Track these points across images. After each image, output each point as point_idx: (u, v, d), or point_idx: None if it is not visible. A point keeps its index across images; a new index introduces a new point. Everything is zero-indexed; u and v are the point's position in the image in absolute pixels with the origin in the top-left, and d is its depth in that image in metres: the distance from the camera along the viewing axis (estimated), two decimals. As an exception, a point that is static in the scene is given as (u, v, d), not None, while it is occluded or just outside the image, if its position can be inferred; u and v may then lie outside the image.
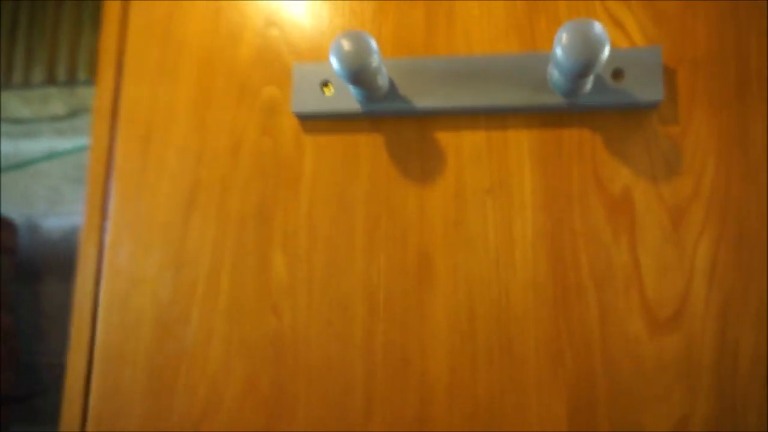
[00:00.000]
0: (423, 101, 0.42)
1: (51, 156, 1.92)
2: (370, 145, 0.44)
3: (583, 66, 0.35)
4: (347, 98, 0.43)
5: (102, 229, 0.48)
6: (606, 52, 0.34)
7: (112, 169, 0.48)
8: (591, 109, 0.41)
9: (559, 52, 0.35)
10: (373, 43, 0.38)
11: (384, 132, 0.44)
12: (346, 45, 0.37)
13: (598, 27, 0.34)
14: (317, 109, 0.44)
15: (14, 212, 1.84)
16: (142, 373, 0.45)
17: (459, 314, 0.41)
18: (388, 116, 0.44)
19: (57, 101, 2.03)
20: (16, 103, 2.03)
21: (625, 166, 0.40)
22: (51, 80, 2.04)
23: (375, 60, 0.38)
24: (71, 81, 2.03)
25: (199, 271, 0.45)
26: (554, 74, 0.39)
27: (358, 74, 0.38)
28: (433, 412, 0.40)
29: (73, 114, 2.01)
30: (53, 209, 1.91)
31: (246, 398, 0.43)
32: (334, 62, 0.38)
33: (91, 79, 2.02)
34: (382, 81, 0.41)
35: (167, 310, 0.45)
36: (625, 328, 0.39)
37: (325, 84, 0.44)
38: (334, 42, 0.38)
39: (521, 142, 0.42)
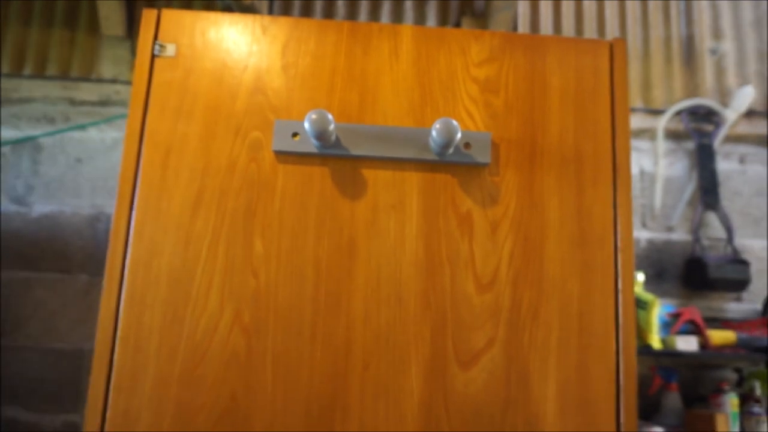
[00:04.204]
0: (356, 150, 0.70)
1: None
2: (321, 174, 0.71)
3: (446, 143, 0.65)
4: (308, 144, 0.70)
5: (129, 217, 0.70)
6: (458, 136, 0.65)
7: (138, 176, 0.71)
8: (452, 163, 0.71)
9: (434, 133, 0.65)
10: (331, 117, 0.66)
11: (330, 167, 0.71)
12: (315, 117, 0.65)
13: (454, 123, 0.65)
14: (289, 149, 0.70)
15: None
16: (158, 314, 0.67)
17: (371, 277, 0.68)
18: (334, 157, 0.71)
19: None
20: None
21: (468, 197, 0.71)
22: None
23: (331, 126, 0.66)
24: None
25: (203, 246, 0.69)
26: (432, 143, 0.69)
27: (321, 134, 0.65)
28: (353, 335, 0.67)
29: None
30: None
31: (233, 326, 0.67)
32: (308, 126, 0.65)
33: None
34: (332, 136, 0.69)
35: (178, 271, 0.68)
36: (464, 288, 0.69)
37: (295, 134, 0.71)
38: (308, 115, 0.65)
39: (412, 179, 0.71)
